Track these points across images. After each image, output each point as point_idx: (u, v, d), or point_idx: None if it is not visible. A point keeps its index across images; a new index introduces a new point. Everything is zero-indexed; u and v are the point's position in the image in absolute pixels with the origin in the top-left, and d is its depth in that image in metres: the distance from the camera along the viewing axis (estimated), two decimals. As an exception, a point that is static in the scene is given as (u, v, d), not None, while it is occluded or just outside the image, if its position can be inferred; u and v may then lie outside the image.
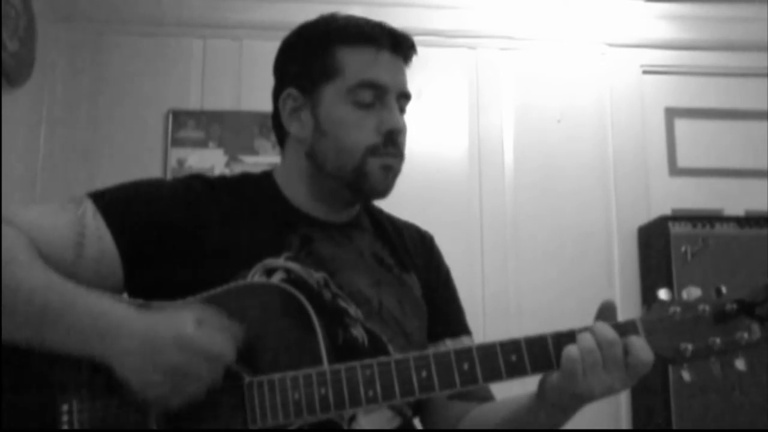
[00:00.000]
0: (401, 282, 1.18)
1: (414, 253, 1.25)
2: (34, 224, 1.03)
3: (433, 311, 1.21)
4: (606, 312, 0.98)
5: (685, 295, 0.97)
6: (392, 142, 1.12)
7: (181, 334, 0.89)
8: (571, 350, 0.93)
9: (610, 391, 0.93)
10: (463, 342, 1.22)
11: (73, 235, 1.03)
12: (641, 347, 0.93)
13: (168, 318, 0.92)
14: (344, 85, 1.11)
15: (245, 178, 1.21)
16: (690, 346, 0.94)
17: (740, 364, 0.95)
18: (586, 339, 0.93)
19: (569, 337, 0.95)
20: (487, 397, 1.18)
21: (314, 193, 1.17)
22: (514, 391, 1.06)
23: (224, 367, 0.91)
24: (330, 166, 1.13)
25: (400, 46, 1.15)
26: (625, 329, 0.95)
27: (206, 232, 1.08)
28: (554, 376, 0.95)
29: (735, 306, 0.95)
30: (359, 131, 1.11)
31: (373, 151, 1.11)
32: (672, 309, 0.96)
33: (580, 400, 0.95)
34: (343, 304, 1.09)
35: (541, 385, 0.98)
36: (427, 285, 1.23)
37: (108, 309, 0.94)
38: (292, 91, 1.16)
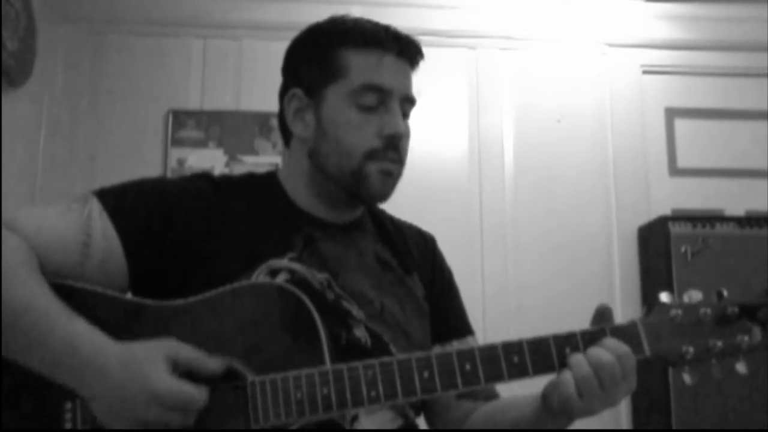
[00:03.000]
0: (403, 283, 1.18)
1: (416, 255, 1.25)
2: (40, 227, 1.02)
3: (437, 313, 1.22)
4: (602, 317, 0.98)
5: (686, 298, 0.97)
6: (393, 146, 1.11)
7: (151, 391, 0.88)
8: (565, 379, 0.93)
9: (611, 404, 0.94)
10: (469, 342, 1.23)
11: (79, 237, 1.03)
12: (616, 346, 0.93)
13: (141, 364, 0.90)
14: (348, 88, 1.11)
15: (250, 178, 1.21)
16: (691, 349, 0.95)
17: (741, 367, 0.95)
18: (580, 365, 0.92)
19: (571, 339, 0.95)
20: (492, 396, 1.19)
21: (316, 193, 1.17)
22: (514, 390, 1.07)
23: (196, 412, 0.91)
24: (330, 168, 1.13)
25: (406, 50, 1.14)
26: (625, 332, 0.95)
27: (211, 232, 1.08)
28: (555, 400, 0.95)
29: (736, 309, 0.95)
30: (360, 134, 1.10)
31: (372, 155, 1.10)
32: (673, 312, 0.96)
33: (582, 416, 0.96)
34: (345, 305, 1.09)
35: (544, 400, 0.99)
36: (430, 287, 1.23)
37: (83, 350, 0.92)
38: (296, 91, 1.15)
